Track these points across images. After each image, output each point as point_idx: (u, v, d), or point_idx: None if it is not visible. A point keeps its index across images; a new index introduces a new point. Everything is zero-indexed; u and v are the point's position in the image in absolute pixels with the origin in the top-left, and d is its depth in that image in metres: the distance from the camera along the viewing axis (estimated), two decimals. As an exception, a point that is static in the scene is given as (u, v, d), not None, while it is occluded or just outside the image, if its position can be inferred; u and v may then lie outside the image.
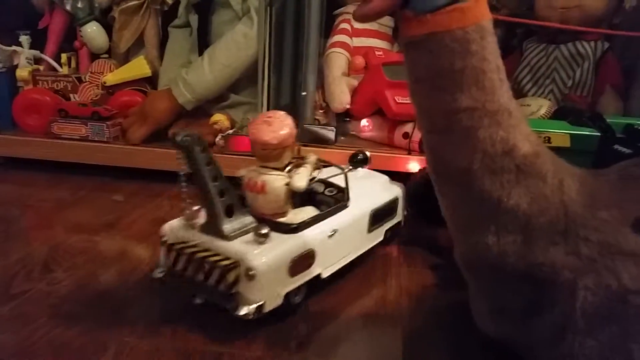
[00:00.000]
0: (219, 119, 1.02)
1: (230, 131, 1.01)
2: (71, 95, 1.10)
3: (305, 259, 0.55)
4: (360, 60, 1.01)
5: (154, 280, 0.56)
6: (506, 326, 0.46)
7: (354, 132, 1.04)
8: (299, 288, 0.56)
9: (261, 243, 0.52)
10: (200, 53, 1.04)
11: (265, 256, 0.51)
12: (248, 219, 0.55)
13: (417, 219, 0.81)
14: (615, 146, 0.71)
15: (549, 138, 0.69)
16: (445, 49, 0.39)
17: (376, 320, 0.58)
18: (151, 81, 1.13)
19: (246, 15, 1.00)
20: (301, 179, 0.56)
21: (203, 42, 1.05)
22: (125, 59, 1.17)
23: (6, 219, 0.82)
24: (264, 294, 0.51)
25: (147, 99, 1.04)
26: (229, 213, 0.54)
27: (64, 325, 0.54)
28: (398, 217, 0.74)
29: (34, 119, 1.05)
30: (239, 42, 0.99)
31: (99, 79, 1.09)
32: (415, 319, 0.58)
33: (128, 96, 1.08)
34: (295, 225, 0.56)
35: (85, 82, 1.10)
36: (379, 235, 0.69)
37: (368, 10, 0.41)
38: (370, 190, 0.70)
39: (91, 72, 1.10)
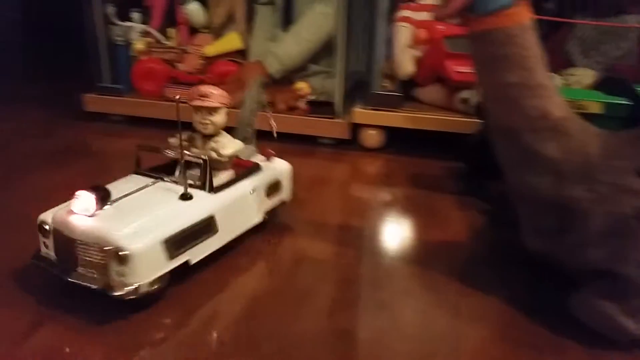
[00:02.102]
0: (302, 86, 1.20)
1: (311, 97, 1.20)
2: (177, 65, 1.31)
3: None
4: (423, 33, 1.14)
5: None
6: (543, 242, 0.62)
7: (418, 97, 1.20)
8: None
9: None
10: (284, 28, 1.22)
11: None
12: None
13: (472, 172, 0.98)
14: (645, 113, 0.83)
15: (584, 105, 0.83)
16: (497, 41, 0.55)
17: (448, 248, 0.76)
18: (242, 53, 1.32)
19: (323, -4, 1.16)
20: None
21: (287, 18, 1.23)
22: (218, 33, 1.36)
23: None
24: None
25: (242, 69, 1.24)
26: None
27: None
28: None
29: (150, 84, 1.28)
30: (319, 19, 1.15)
31: (200, 51, 1.29)
32: (472, 249, 0.76)
33: (224, 66, 1.28)
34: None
35: (189, 53, 1.30)
36: None
37: (447, 14, 0.57)
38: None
39: (194, 45, 1.30)
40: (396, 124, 1.13)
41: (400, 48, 1.15)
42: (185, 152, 0.65)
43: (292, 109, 1.21)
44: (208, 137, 0.69)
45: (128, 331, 0.56)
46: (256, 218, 0.73)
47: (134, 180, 0.66)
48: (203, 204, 0.64)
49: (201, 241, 0.62)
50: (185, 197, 0.63)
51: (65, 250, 0.58)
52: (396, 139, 1.18)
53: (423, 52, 1.15)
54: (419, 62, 1.15)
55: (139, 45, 1.29)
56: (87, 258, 0.57)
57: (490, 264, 0.72)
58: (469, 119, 1.07)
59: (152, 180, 0.66)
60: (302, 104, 1.20)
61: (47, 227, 0.60)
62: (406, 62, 1.14)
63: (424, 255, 0.74)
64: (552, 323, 0.58)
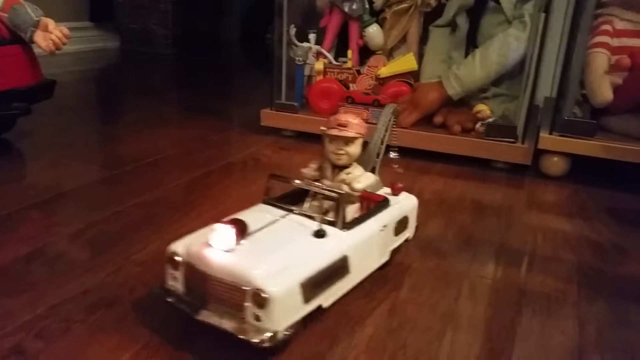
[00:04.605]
0: (482, 108, 1.18)
1: (490, 119, 1.17)
2: (350, 85, 1.35)
3: None
4: (626, 60, 1.07)
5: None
6: None
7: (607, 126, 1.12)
8: None
9: None
10: (467, 51, 1.21)
11: None
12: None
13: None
14: None
15: None
16: None
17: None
18: (412, 74, 1.33)
19: (518, 20, 1.14)
20: None
21: (471, 41, 1.21)
22: (389, 54, 1.39)
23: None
24: None
25: (418, 90, 1.24)
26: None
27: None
28: None
29: (325, 103, 1.32)
30: (511, 43, 1.13)
31: (374, 72, 1.32)
32: None
33: (396, 87, 1.29)
34: None
35: (363, 74, 1.33)
36: None
37: None
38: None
39: (368, 66, 1.33)
40: (590, 152, 1.06)
41: (598, 75, 1.09)
42: (318, 184, 0.62)
43: (466, 131, 1.18)
44: (339, 168, 0.64)
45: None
46: (383, 257, 0.66)
47: (264, 211, 0.62)
48: (337, 243, 0.58)
49: (334, 283, 0.56)
50: (319, 234, 0.57)
51: (196, 286, 0.54)
52: (577, 168, 1.11)
53: (624, 80, 1.07)
54: (618, 89, 1.08)
55: (318, 65, 1.34)
56: (222, 297, 0.51)
57: None
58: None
59: (283, 212, 0.62)
60: (478, 127, 1.17)
61: (178, 258, 0.55)
62: (605, 89, 1.07)
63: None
64: None
